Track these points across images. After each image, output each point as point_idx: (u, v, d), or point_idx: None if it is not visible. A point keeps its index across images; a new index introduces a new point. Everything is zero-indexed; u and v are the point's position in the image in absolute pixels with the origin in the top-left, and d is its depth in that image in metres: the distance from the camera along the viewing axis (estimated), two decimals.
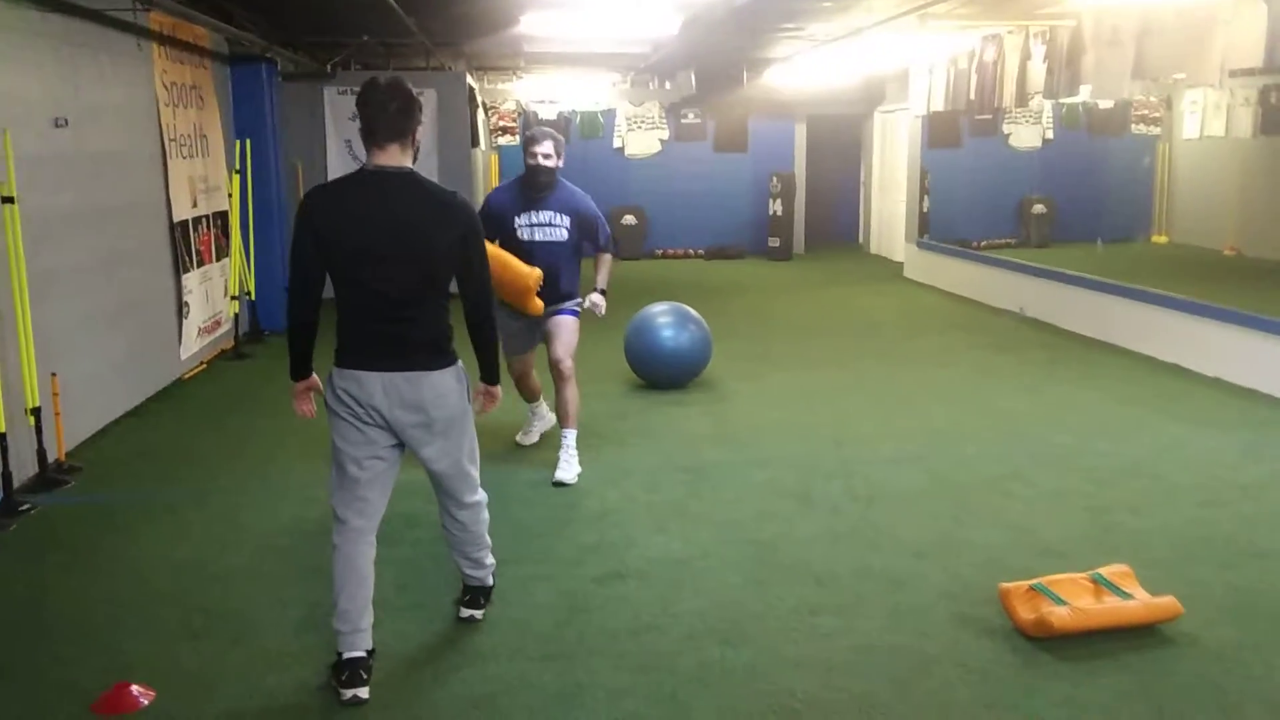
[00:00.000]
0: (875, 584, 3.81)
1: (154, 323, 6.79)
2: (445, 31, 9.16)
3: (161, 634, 3.45)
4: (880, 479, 5.00)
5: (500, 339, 5.11)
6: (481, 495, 3.35)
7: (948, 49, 11.05)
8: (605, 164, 14.74)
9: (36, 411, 4.86)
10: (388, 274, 2.94)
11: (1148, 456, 5.31)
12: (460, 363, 3.15)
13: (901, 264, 12.87)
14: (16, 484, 4.82)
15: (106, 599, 3.73)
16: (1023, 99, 10.16)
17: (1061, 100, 13.14)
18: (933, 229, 12.95)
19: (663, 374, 6.75)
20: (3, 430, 4.55)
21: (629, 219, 14.73)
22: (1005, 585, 3.53)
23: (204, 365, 7.54)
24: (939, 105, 11.75)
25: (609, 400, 6.52)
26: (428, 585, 3.79)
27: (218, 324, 8.07)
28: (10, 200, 4.65)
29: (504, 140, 14.54)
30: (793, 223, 14.79)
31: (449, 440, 3.12)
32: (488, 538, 3.45)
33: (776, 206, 14.54)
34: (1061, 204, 14.59)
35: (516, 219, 4.92)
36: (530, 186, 4.93)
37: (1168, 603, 3.41)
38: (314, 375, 3.15)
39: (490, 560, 3.50)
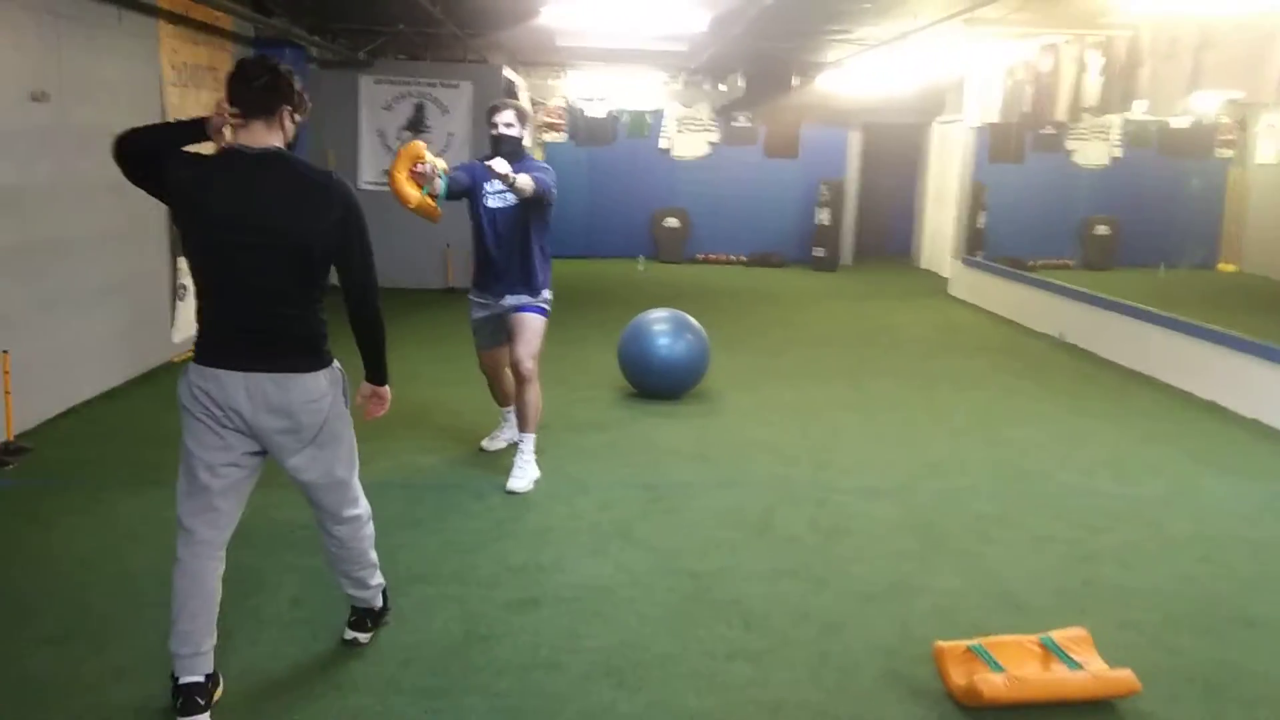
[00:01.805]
0: (808, 629, 3.47)
1: (143, 303, 6.70)
2: (469, 21, 8.97)
3: (28, 636, 3.26)
4: (852, 510, 4.63)
5: (473, 332, 4.94)
6: (363, 508, 3.08)
7: (1004, 58, 10.57)
8: (651, 165, 14.49)
9: None
10: (255, 260, 2.68)
11: (1154, 501, 4.86)
12: (336, 363, 2.89)
13: (948, 280, 12.35)
14: None
15: None
16: (1076, 112, 9.64)
17: (1132, 118, 12.53)
18: (988, 246, 12.43)
19: (655, 383, 6.45)
20: None
21: (671, 221, 14.44)
22: (941, 644, 3.16)
23: None
24: (994, 116, 11.26)
25: (593, 408, 6.24)
26: (327, 601, 3.52)
27: None
28: None
29: (550, 137, 14.35)
30: (840, 233, 14.35)
31: (320, 449, 2.86)
32: (372, 554, 3.18)
33: (824, 215, 14.11)
34: (1125, 225, 13.91)
35: (484, 187, 4.73)
36: (495, 156, 4.70)
37: (1122, 677, 3.01)
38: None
39: (376, 580, 3.23)
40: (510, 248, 4.73)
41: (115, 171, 2.71)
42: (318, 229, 2.72)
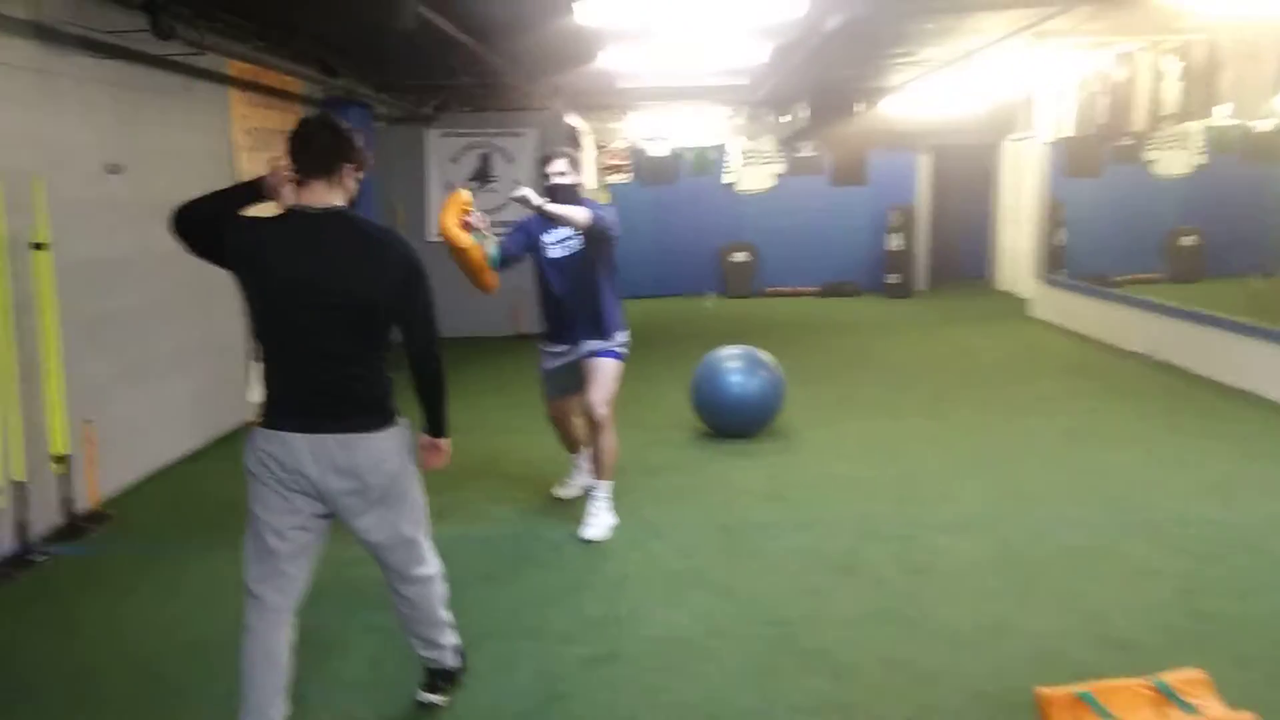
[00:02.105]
0: (901, 678, 3.30)
1: (221, 366, 6.81)
2: (528, 68, 9.04)
3: (110, 708, 3.26)
4: (940, 547, 4.44)
5: (540, 379, 4.91)
6: (433, 567, 3.02)
7: (1076, 70, 10.30)
8: (716, 200, 14.43)
9: (65, 459, 4.84)
10: (315, 324, 2.66)
11: (1265, 526, 4.57)
12: (403, 421, 2.85)
13: (1028, 301, 12.01)
14: (41, 532, 4.81)
15: (67, 664, 3.58)
16: (1155, 121, 9.33)
17: (1213, 124, 12.10)
18: (1069, 263, 12.05)
19: (729, 422, 6.33)
20: (21, 479, 4.52)
21: (740, 256, 14.33)
22: (1045, 690, 2.96)
23: None
24: (1069, 130, 10.97)
25: (667, 450, 6.14)
26: (405, 662, 3.43)
27: None
28: (40, 247, 4.66)
29: (615, 179, 14.41)
30: (913, 258, 14.09)
31: (387, 509, 2.82)
32: (444, 613, 3.11)
33: (896, 241, 13.88)
34: (1212, 235, 13.36)
35: (543, 239, 4.69)
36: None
37: None
38: None
39: (449, 640, 3.16)
40: (578, 295, 4.66)
41: None
42: (380, 288, 2.69)
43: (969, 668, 3.35)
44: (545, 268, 4.72)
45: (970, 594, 3.94)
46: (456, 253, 4.34)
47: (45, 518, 4.85)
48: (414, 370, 2.86)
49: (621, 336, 4.77)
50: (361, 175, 2.82)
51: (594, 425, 4.72)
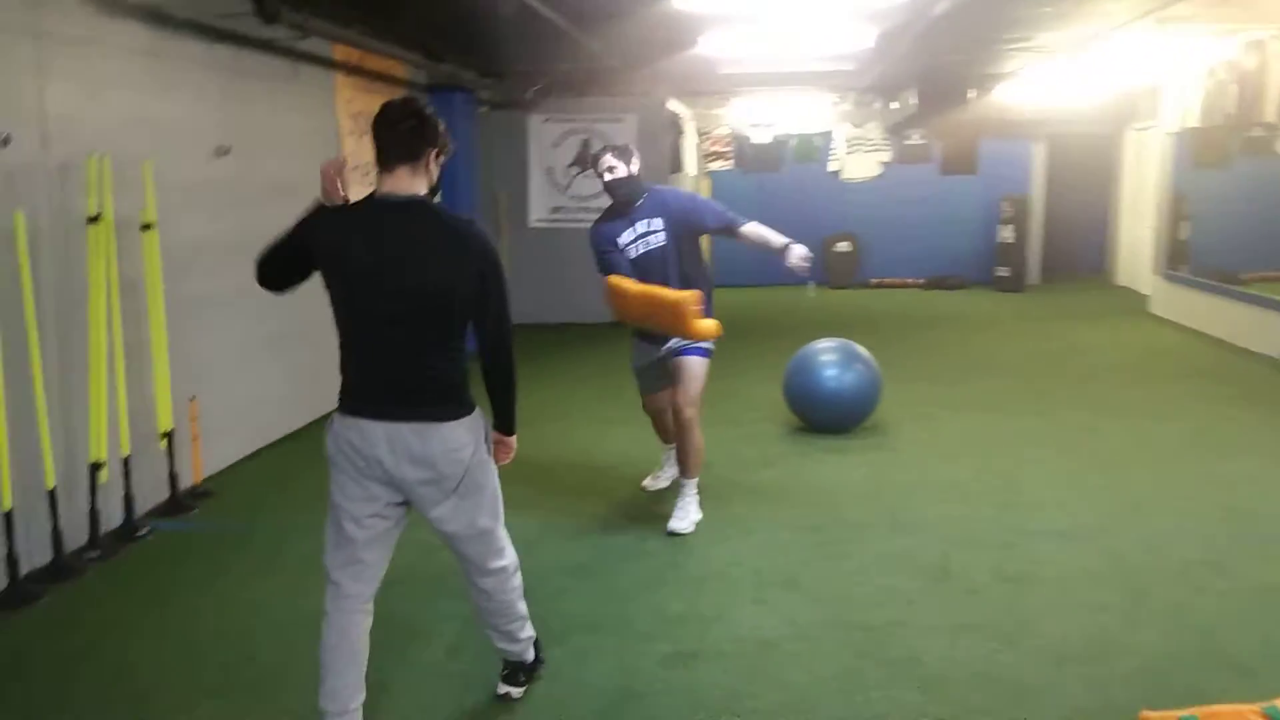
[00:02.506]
0: (994, 694, 3.14)
1: (322, 347, 6.90)
2: (629, 55, 8.98)
3: (195, 685, 3.31)
4: (1042, 556, 4.24)
5: (635, 376, 4.85)
6: (510, 559, 2.98)
7: (1203, 58, 9.76)
8: (820, 189, 14.16)
9: (169, 435, 4.98)
10: (395, 309, 2.64)
11: None
12: (477, 410, 2.81)
13: (1147, 298, 11.47)
14: (147, 508, 4.96)
15: (163, 639, 3.66)
16: None
17: None
18: (1193, 259, 11.45)
19: (823, 417, 6.17)
20: (127, 453, 4.66)
21: (843, 246, 14.04)
22: (1150, 713, 2.78)
23: None
24: (1194, 120, 10.41)
25: (759, 444, 6.02)
26: (484, 651, 3.40)
27: None
28: (148, 228, 4.79)
29: (716, 166, 14.27)
30: (1026, 251, 13.59)
31: (463, 499, 2.79)
32: (521, 606, 3.07)
33: (1007, 233, 13.40)
34: None
35: (619, 241, 4.50)
36: (619, 204, 4.54)
37: None
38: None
39: (526, 633, 3.12)
40: (673, 285, 4.43)
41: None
42: (457, 279, 2.66)
43: (1069, 685, 3.17)
44: (628, 270, 4.51)
45: (1073, 607, 3.74)
46: (661, 309, 4.24)
47: (151, 493, 5.00)
48: (484, 364, 2.82)
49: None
50: (443, 159, 2.78)
51: (679, 426, 4.61)
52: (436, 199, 2.78)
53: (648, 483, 5.22)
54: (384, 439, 2.67)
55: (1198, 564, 4.11)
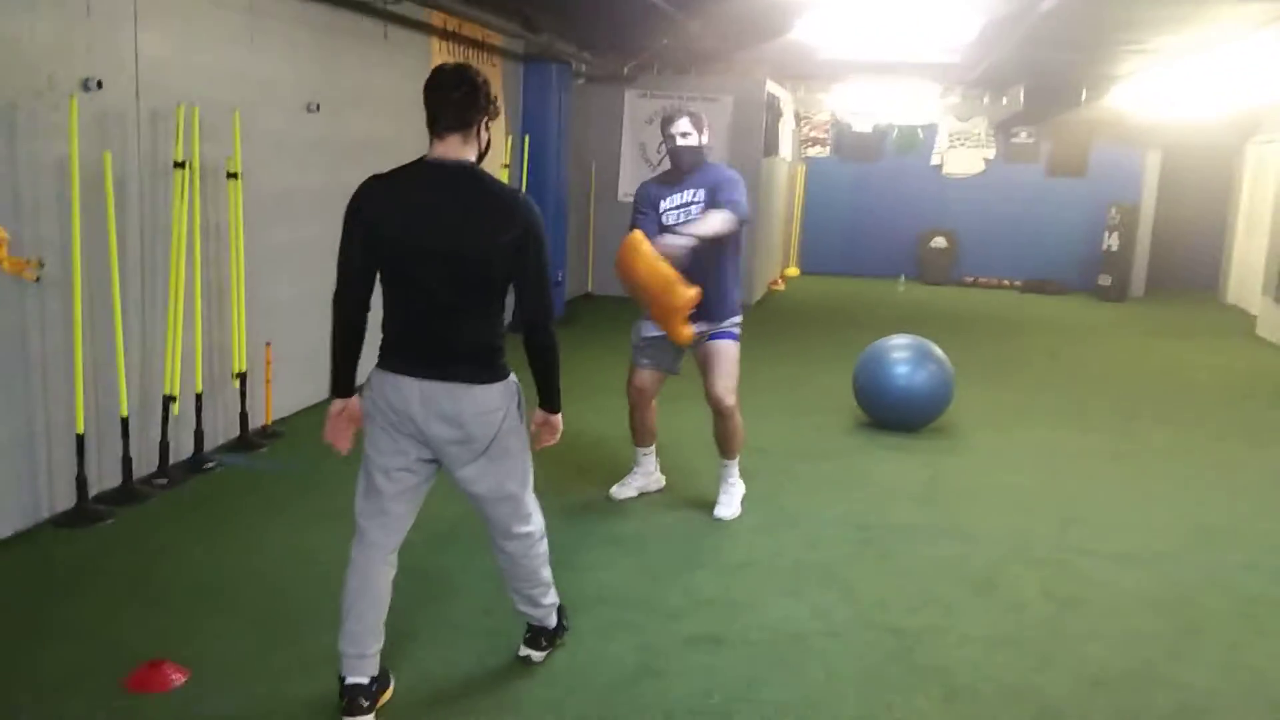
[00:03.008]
0: (1020, 710, 3.05)
1: None
2: (727, 36, 8.89)
3: (234, 618, 3.43)
4: (1097, 577, 4.09)
5: (633, 346, 4.56)
6: (535, 525, 3.01)
7: None
8: (919, 182, 13.89)
9: (242, 377, 5.13)
10: (436, 273, 2.68)
11: None
12: (513, 377, 2.83)
13: (1255, 318, 10.95)
14: (219, 443, 5.14)
15: (212, 570, 3.80)
16: None
17: None
18: None
19: (890, 414, 6.06)
20: (200, 390, 4.83)
21: (939, 241, 13.75)
22: None
23: None
24: None
25: (821, 435, 5.94)
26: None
27: None
28: (234, 176, 4.93)
29: (813, 151, 14.06)
30: (1132, 261, 13.10)
31: (492, 462, 2.81)
32: (545, 573, 3.09)
33: (1113, 241, 12.94)
34: None
35: (662, 204, 4.37)
36: (676, 169, 4.40)
37: None
38: (356, 399, 2.87)
39: (550, 599, 3.14)
40: (698, 270, 4.15)
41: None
42: (498, 246, 2.68)
43: (1101, 714, 3.06)
44: (653, 235, 4.27)
45: (1120, 633, 3.60)
46: (656, 289, 4.03)
47: (223, 429, 5.18)
48: (526, 337, 2.83)
49: (737, 319, 4.45)
50: (492, 125, 2.80)
51: (718, 414, 4.46)
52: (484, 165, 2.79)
53: (615, 490, 4.76)
54: (417, 396, 2.72)
55: (1260, 601, 3.92)
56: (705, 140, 4.36)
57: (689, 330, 4.11)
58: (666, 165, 4.59)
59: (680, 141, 4.30)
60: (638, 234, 4.09)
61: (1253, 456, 5.97)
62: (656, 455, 4.84)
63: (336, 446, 2.88)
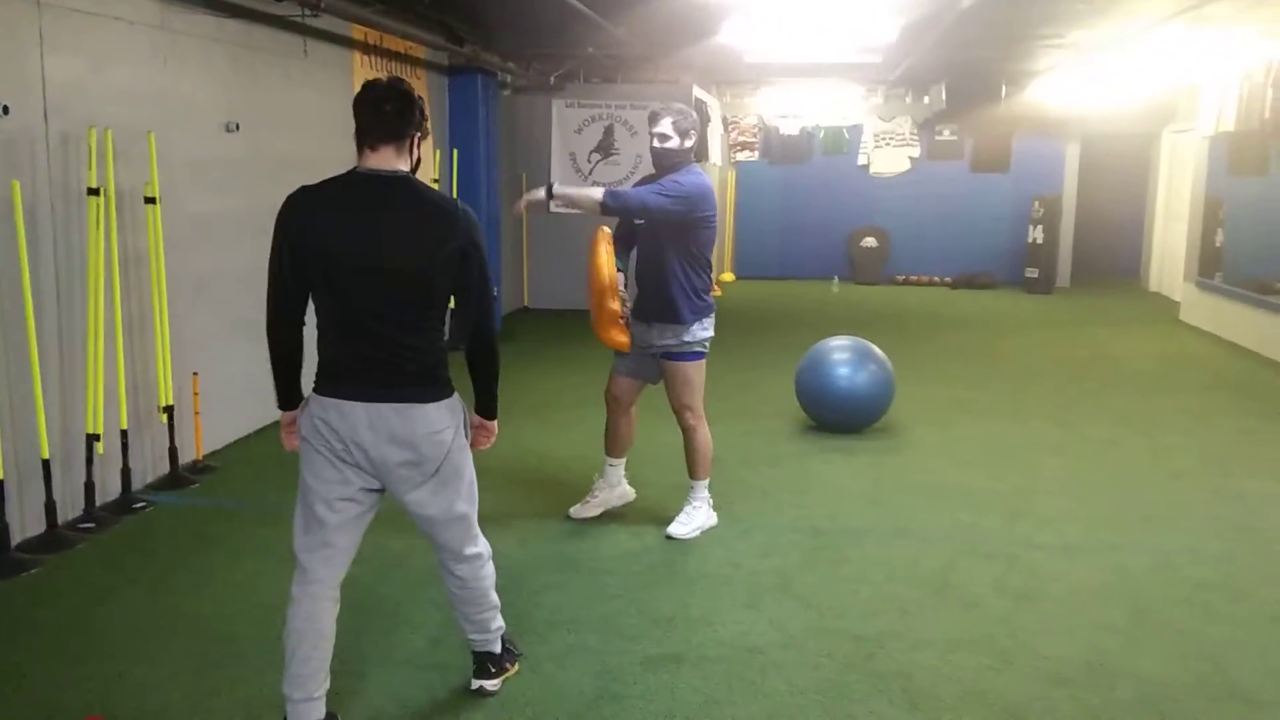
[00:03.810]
0: (983, 713, 3.03)
1: None
2: (653, 41, 8.86)
3: (176, 662, 3.27)
4: (1048, 570, 4.11)
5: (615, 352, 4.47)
6: (484, 547, 2.92)
7: (1240, 60, 9.50)
8: (848, 183, 14.01)
9: (169, 410, 4.94)
10: (375, 289, 2.57)
11: None
12: (457, 395, 2.75)
13: (1179, 304, 11.23)
14: (148, 481, 4.94)
15: (147, 613, 3.63)
16: None
17: None
18: (1227, 267, 11.19)
19: (834, 416, 6.06)
20: (125, 427, 4.63)
21: (869, 241, 13.89)
22: None
23: None
24: (1230, 125, 10.15)
25: (767, 441, 5.92)
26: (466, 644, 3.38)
27: None
28: (152, 201, 4.74)
29: (743, 156, 14.12)
30: (1057, 252, 13.36)
31: (443, 484, 2.72)
32: (494, 596, 3.00)
33: (1038, 233, 13.18)
34: None
35: None
36: (656, 171, 4.21)
37: None
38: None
39: (498, 624, 3.05)
40: (647, 271, 4.22)
41: None
42: (438, 257, 2.59)
43: (1062, 710, 3.05)
44: (637, 234, 4.29)
45: (1076, 626, 3.62)
46: (594, 290, 4.18)
47: (151, 466, 4.98)
48: (468, 345, 2.77)
49: (701, 332, 4.26)
50: (422, 141, 2.72)
51: (682, 429, 4.40)
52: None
53: (575, 510, 4.60)
54: (365, 419, 2.61)
55: (1209, 586, 3.97)
56: (688, 144, 4.15)
57: (622, 338, 4.14)
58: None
59: (658, 144, 4.12)
60: (603, 230, 4.11)
61: (1184, 442, 6.08)
62: (624, 469, 4.68)
63: (293, 448, 2.82)
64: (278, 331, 2.69)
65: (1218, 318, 10.09)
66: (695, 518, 4.45)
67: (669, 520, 4.48)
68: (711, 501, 4.54)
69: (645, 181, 4.26)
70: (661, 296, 4.22)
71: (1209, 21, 7.32)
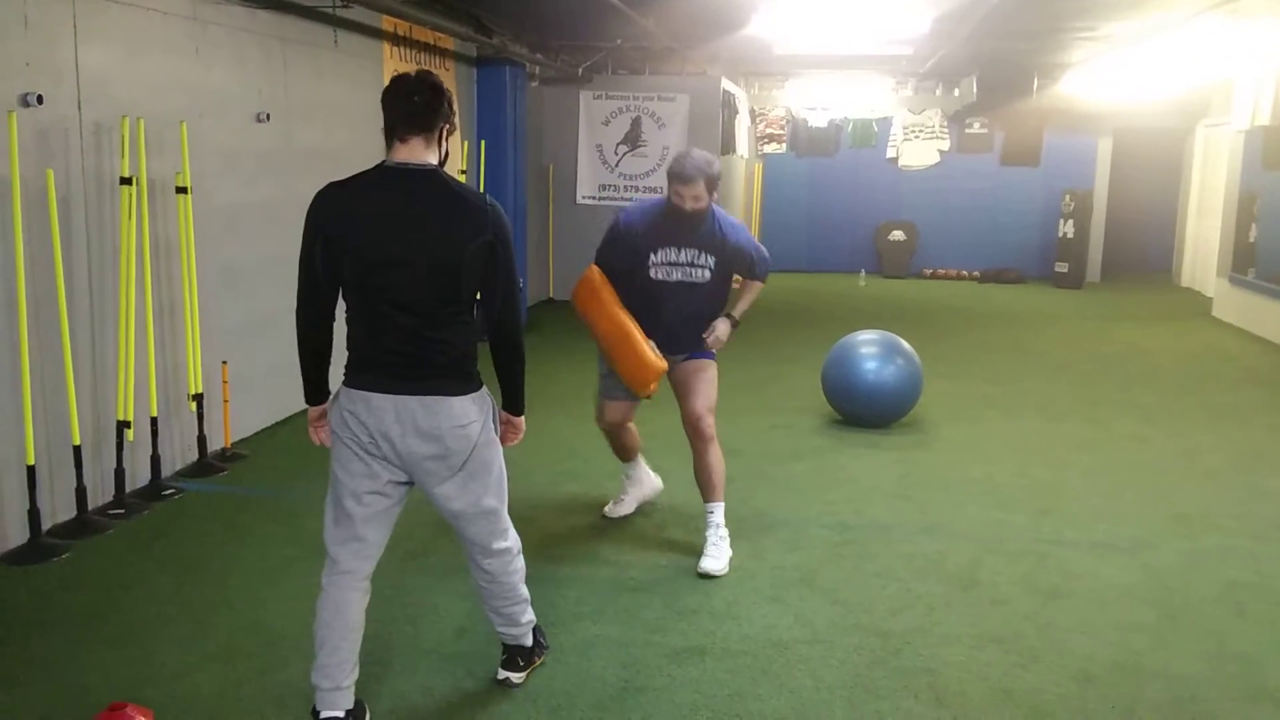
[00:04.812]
0: (1011, 712, 3.01)
1: None
2: (682, 33, 8.83)
3: (201, 650, 3.30)
4: (1077, 568, 4.07)
5: (601, 377, 4.27)
6: (513, 541, 2.92)
7: (1277, 54, 9.35)
8: (876, 175, 13.92)
9: (199, 398, 4.98)
10: (404, 282, 2.58)
11: None
12: (485, 388, 2.75)
13: (1211, 300, 11.09)
14: (177, 468, 4.98)
15: (176, 602, 3.66)
16: None
17: None
18: (1261, 263, 11.04)
19: (860, 411, 6.03)
20: (155, 414, 4.67)
21: (897, 234, 13.79)
22: None
23: None
24: (1266, 119, 10.00)
25: (792, 435, 5.89)
26: (492, 634, 3.33)
27: None
28: (184, 191, 4.78)
29: (770, 149, 14.06)
30: (1087, 247, 13.22)
31: (470, 477, 2.72)
32: (523, 590, 3.00)
33: (1068, 228, 13.05)
34: None
35: (651, 255, 3.95)
36: (677, 223, 3.94)
37: None
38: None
39: (528, 617, 3.05)
40: (687, 317, 4.01)
41: None
42: (467, 251, 2.59)
43: (1091, 708, 3.02)
44: (649, 284, 3.99)
45: (1103, 624, 3.58)
46: (616, 341, 3.93)
47: (181, 454, 5.03)
48: (492, 340, 2.77)
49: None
50: (451, 133, 2.72)
51: (699, 438, 4.07)
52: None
53: (609, 510, 4.55)
54: (391, 412, 2.62)
55: (1242, 586, 3.92)
56: (716, 197, 3.98)
57: (653, 386, 3.96)
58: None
59: (689, 205, 3.86)
60: (597, 275, 3.94)
61: (1215, 440, 6.01)
62: (644, 460, 4.59)
63: (321, 441, 2.83)
64: (308, 327, 2.69)
65: (1250, 314, 9.95)
66: (724, 547, 4.06)
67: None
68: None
69: (663, 225, 3.96)
70: (704, 326, 4.09)
71: (1245, 14, 7.22)
